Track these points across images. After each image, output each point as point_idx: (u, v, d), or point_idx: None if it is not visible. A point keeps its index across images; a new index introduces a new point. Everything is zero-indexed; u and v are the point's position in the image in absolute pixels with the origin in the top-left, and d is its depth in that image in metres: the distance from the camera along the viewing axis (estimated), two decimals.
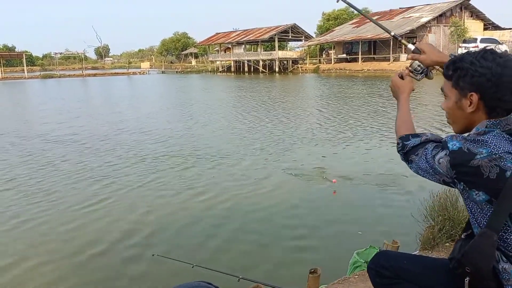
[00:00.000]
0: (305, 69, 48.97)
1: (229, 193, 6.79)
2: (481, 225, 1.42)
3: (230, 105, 19.38)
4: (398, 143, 1.63)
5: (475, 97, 1.42)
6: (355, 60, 45.94)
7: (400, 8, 50.08)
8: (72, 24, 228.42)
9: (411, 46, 1.91)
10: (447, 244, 3.40)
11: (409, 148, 1.57)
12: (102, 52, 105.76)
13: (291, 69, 51.13)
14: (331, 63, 48.29)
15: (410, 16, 45.07)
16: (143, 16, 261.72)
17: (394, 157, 8.58)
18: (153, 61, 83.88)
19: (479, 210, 1.42)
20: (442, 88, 1.59)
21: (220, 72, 57.53)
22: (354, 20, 54.79)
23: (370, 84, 28.41)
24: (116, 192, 6.95)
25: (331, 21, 61.25)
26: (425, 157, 1.49)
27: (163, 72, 63.70)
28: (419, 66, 1.85)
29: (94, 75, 60.04)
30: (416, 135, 1.58)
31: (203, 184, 7.26)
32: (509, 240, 1.39)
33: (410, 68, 1.85)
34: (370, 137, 10.72)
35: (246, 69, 54.03)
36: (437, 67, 1.81)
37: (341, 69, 43.96)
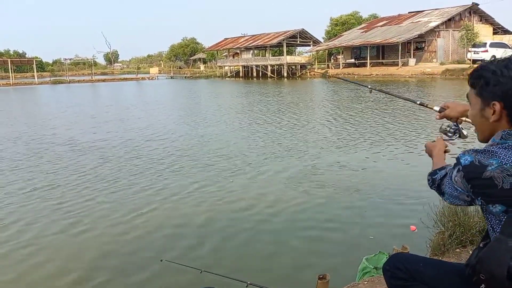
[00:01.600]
0: (314, 74, 48.99)
1: (238, 198, 6.79)
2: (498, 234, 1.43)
3: (249, 111, 19.40)
4: (428, 180, 1.71)
5: (498, 106, 1.43)
6: (363, 65, 45.83)
7: (409, 12, 49.93)
8: (82, 30, 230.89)
9: (436, 108, 2.00)
10: (457, 250, 3.36)
11: (439, 182, 1.63)
12: (111, 58, 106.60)
13: (299, 74, 51.14)
14: (339, 68, 48.22)
15: (418, 21, 44.90)
16: (151, 21, 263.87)
17: (405, 163, 8.54)
18: (162, 66, 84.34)
19: (497, 221, 1.44)
20: (467, 95, 1.60)
21: (229, 77, 57.70)
22: (363, 25, 54.72)
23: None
24: (123, 197, 6.98)
25: (339, 26, 61.23)
26: (448, 183, 1.54)
27: (171, 78, 64.02)
28: (448, 127, 1.90)
29: (103, 80, 60.52)
30: (442, 168, 1.66)
31: (212, 190, 7.26)
32: None
33: (441, 135, 1.91)
34: (376, 144, 10.66)
35: (254, 74, 54.14)
36: (465, 118, 1.90)
37: (350, 74, 43.86)
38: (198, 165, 8.95)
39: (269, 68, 52.44)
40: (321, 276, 2.93)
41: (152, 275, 4.43)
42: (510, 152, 1.38)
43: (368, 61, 44.70)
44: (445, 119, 1.99)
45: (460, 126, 1.91)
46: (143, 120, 16.91)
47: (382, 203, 6.31)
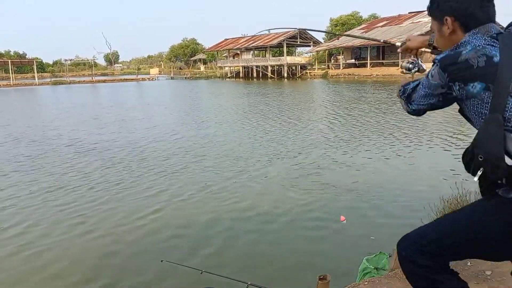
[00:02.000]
0: (314, 75, 48.95)
1: (239, 199, 6.78)
2: None
3: (254, 112, 19.40)
4: (399, 90, 1.80)
5: (449, 20, 1.59)
6: (363, 65, 45.82)
7: (409, 12, 49.89)
8: (82, 30, 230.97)
9: (398, 43, 2.17)
10: None
11: (410, 91, 1.72)
12: (112, 59, 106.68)
13: (299, 74, 51.13)
14: (339, 68, 48.21)
15: (419, 21, 44.89)
16: (151, 22, 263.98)
17: (406, 164, 8.53)
18: (162, 67, 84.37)
19: (480, 103, 1.48)
20: (430, 27, 1.77)
21: (229, 77, 57.70)
22: (363, 25, 54.69)
23: (382, 89, 28.28)
24: (125, 199, 6.98)
25: (339, 26, 61.22)
26: (422, 85, 1.64)
27: (172, 78, 64.04)
28: (408, 62, 2.02)
29: (104, 81, 60.55)
30: (415, 80, 1.74)
31: (214, 190, 7.26)
32: None
33: (402, 70, 2.04)
34: (377, 144, 10.66)
35: (254, 74, 54.14)
36: (424, 48, 2.05)
37: (350, 74, 43.87)
38: (200, 166, 8.96)
39: (269, 68, 52.43)
40: (321, 277, 2.92)
41: (153, 276, 4.42)
42: (480, 38, 1.51)
43: (369, 61, 44.69)
44: (407, 56, 2.11)
45: (419, 60, 2.03)
46: (144, 121, 16.92)
47: (383, 203, 6.31)
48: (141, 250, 5.07)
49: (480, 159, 1.45)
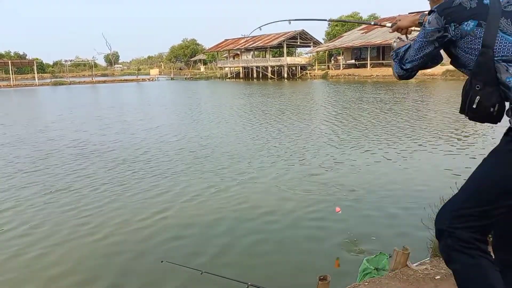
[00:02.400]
0: (314, 75, 48.95)
1: (240, 200, 6.78)
2: None
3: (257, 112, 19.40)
4: (392, 55, 1.98)
5: None
6: (363, 65, 45.84)
7: (409, 13, 49.66)
8: (83, 31, 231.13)
9: (389, 24, 2.32)
10: None
11: (402, 53, 1.92)
12: (112, 59, 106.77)
13: (299, 75, 51.14)
14: (339, 69, 48.22)
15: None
16: (152, 23, 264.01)
17: (407, 165, 8.53)
18: (162, 67, 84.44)
19: (473, 39, 1.68)
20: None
21: (229, 78, 57.72)
22: (363, 26, 54.72)
23: (383, 89, 28.29)
24: (125, 198, 6.98)
25: (339, 27, 61.26)
26: (417, 39, 1.83)
27: (172, 79, 64.08)
28: (397, 42, 2.08)
29: (104, 82, 60.59)
30: (406, 44, 1.92)
31: (215, 191, 7.26)
32: (505, 48, 1.63)
33: (392, 49, 2.09)
34: (378, 145, 10.66)
35: (254, 75, 54.17)
36: (413, 27, 2.23)
37: (350, 74, 43.88)
38: (203, 167, 8.95)
39: (269, 69, 52.45)
40: (321, 277, 2.92)
41: (153, 276, 4.42)
42: None
43: (369, 62, 44.72)
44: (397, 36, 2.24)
45: (409, 39, 2.10)
46: (145, 122, 16.92)
47: (383, 204, 6.30)
48: (141, 251, 5.06)
49: (477, 88, 1.67)
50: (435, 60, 1.93)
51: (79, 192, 7.36)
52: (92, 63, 71.85)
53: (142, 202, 6.79)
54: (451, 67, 30.94)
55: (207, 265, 4.34)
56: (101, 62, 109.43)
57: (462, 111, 1.77)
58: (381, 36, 45.34)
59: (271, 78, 50.96)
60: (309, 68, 52.82)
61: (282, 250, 4.93)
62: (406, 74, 1.94)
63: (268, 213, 6.12)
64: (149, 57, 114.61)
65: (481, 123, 1.84)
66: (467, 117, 1.79)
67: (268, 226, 5.66)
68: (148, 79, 62.60)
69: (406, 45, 1.92)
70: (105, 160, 9.80)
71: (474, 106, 1.69)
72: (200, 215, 6.14)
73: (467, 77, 1.75)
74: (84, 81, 60.29)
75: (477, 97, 1.67)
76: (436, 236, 1.86)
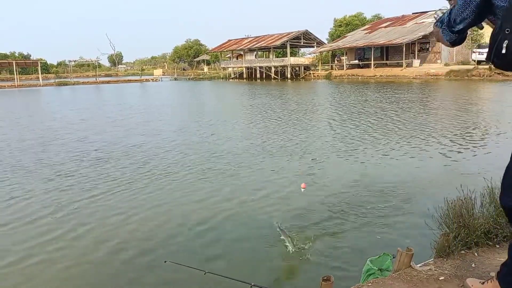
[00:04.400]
0: (317, 75, 48.92)
1: (244, 200, 6.79)
2: None
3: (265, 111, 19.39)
4: (436, 25, 1.99)
5: None
6: (367, 66, 45.76)
7: (413, 13, 49.82)
8: (86, 32, 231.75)
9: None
10: (462, 251, 3.34)
11: (447, 17, 1.91)
12: (116, 60, 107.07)
13: (303, 75, 51.12)
14: (343, 69, 48.16)
15: (422, 22, 44.77)
16: (155, 23, 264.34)
17: (411, 165, 8.51)
18: (166, 68, 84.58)
19: None
20: None
21: (232, 78, 57.75)
22: (366, 26, 54.64)
23: (386, 89, 28.23)
24: (129, 198, 7.00)
25: (343, 27, 61.21)
26: None
27: (175, 79, 64.18)
28: (435, 14, 2.06)
29: (108, 82, 60.77)
30: (449, 9, 1.91)
31: (220, 192, 7.26)
32: None
33: (437, 23, 2.04)
34: (387, 144, 10.63)
35: (258, 75, 54.17)
36: None
37: (353, 75, 43.80)
38: (208, 167, 8.96)
39: (273, 69, 52.44)
40: (325, 278, 2.92)
41: (156, 277, 4.43)
42: None
43: (372, 62, 44.63)
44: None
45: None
46: (146, 122, 16.95)
47: (388, 204, 6.29)
48: (144, 250, 5.07)
49: (507, 31, 1.68)
50: (482, 16, 1.87)
51: (80, 190, 7.38)
52: (96, 64, 72.10)
53: (144, 201, 6.80)
54: (455, 67, 30.68)
55: (211, 266, 4.35)
56: (105, 62, 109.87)
57: (488, 59, 1.78)
58: (385, 36, 45.28)
59: (274, 78, 50.95)
60: (312, 68, 52.78)
61: (285, 251, 4.91)
62: (459, 37, 1.94)
63: (272, 214, 6.11)
64: (152, 58, 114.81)
65: (507, 71, 1.90)
66: (493, 65, 1.80)
67: (271, 227, 5.64)
68: (151, 79, 62.73)
69: (448, 10, 1.91)
70: (101, 158, 9.83)
71: (503, 51, 1.69)
72: (205, 215, 6.13)
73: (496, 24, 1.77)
74: (88, 82, 60.50)
75: (506, 41, 1.68)
76: (506, 215, 2.04)
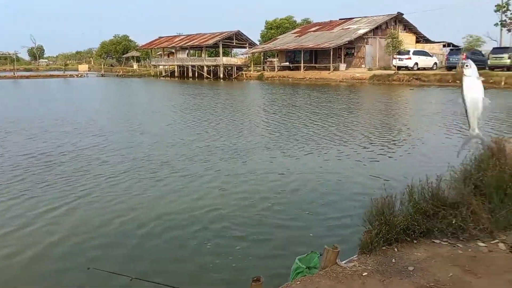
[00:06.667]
0: (249, 76, 49.35)
1: (167, 203, 6.64)
2: None
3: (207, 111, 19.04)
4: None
5: None
6: (297, 68, 46.95)
7: (340, 19, 51.91)
8: (3, 22, 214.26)
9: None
10: (384, 247, 3.51)
11: None
12: (36, 53, 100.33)
13: (235, 75, 51.29)
14: (274, 70, 49.02)
15: (348, 28, 46.84)
16: (81, 16, 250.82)
17: (341, 166, 8.83)
18: (92, 63, 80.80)
19: None
20: None
21: (163, 76, 56.46)
22: (296, 30, 56.08)
23: (315, 90, 29.16)
24: (55, 201, 6.58)
25: (274, 29, 62.31)
26: None
27: (102, 75, 61.54)
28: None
29: (27, 77, 56.67)
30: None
31: (141, 194, 7.05)
32: None
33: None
34: (316, 146, 10.94)
35: (190, 74, 53.45)
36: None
37: (284, 77, 44.72)
38: (141, 171, 8.66)
39: (205, 68, 52.07)
40: (255, 278, 2.93)
41: (78, 284, 4.19)
42: None
43: (302, 65, 45.86)
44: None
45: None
46: (73, 123, 16.06)
47: (317, 204, 6.45)
48: (64, 255, 4.78)
49: None
50: None
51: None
52: (14, 57, 66.95)
53: (67, 205, 6.43)
54: (377, 72, 32.26)
55: (137, 271, 4.19)
56: (25, 56, 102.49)
57: None
58: (313, 40, 46.78)
59: (207, 77, 50.60)
60: (245, 69, 53.14)
61: (213, 253, 4.87)
62: None
63: (198, 217, 6.03)
64: (77, 53, 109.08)
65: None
66: None
67: (197, 230, 5.56)
68: (76, 75, 59.50)
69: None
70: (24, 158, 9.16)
71: None
72: (127, 219, 5.91)
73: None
74: (4, 76, 55.89)
75: None
76: None
